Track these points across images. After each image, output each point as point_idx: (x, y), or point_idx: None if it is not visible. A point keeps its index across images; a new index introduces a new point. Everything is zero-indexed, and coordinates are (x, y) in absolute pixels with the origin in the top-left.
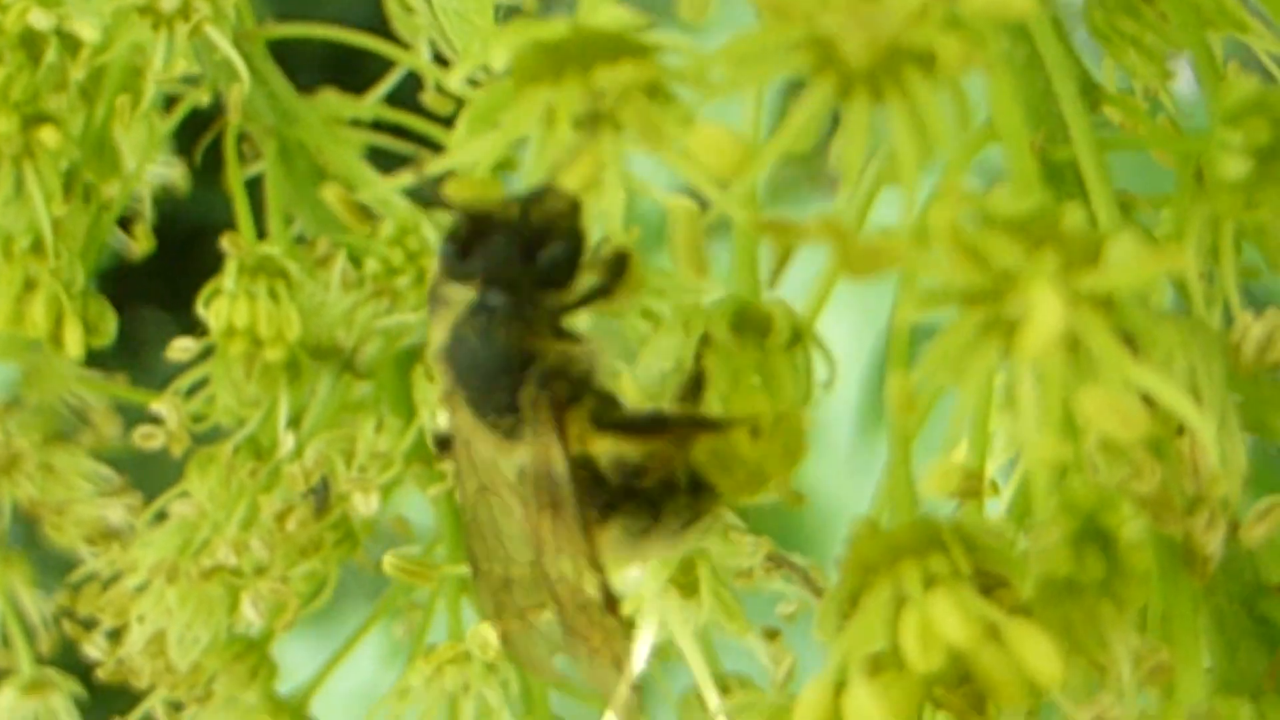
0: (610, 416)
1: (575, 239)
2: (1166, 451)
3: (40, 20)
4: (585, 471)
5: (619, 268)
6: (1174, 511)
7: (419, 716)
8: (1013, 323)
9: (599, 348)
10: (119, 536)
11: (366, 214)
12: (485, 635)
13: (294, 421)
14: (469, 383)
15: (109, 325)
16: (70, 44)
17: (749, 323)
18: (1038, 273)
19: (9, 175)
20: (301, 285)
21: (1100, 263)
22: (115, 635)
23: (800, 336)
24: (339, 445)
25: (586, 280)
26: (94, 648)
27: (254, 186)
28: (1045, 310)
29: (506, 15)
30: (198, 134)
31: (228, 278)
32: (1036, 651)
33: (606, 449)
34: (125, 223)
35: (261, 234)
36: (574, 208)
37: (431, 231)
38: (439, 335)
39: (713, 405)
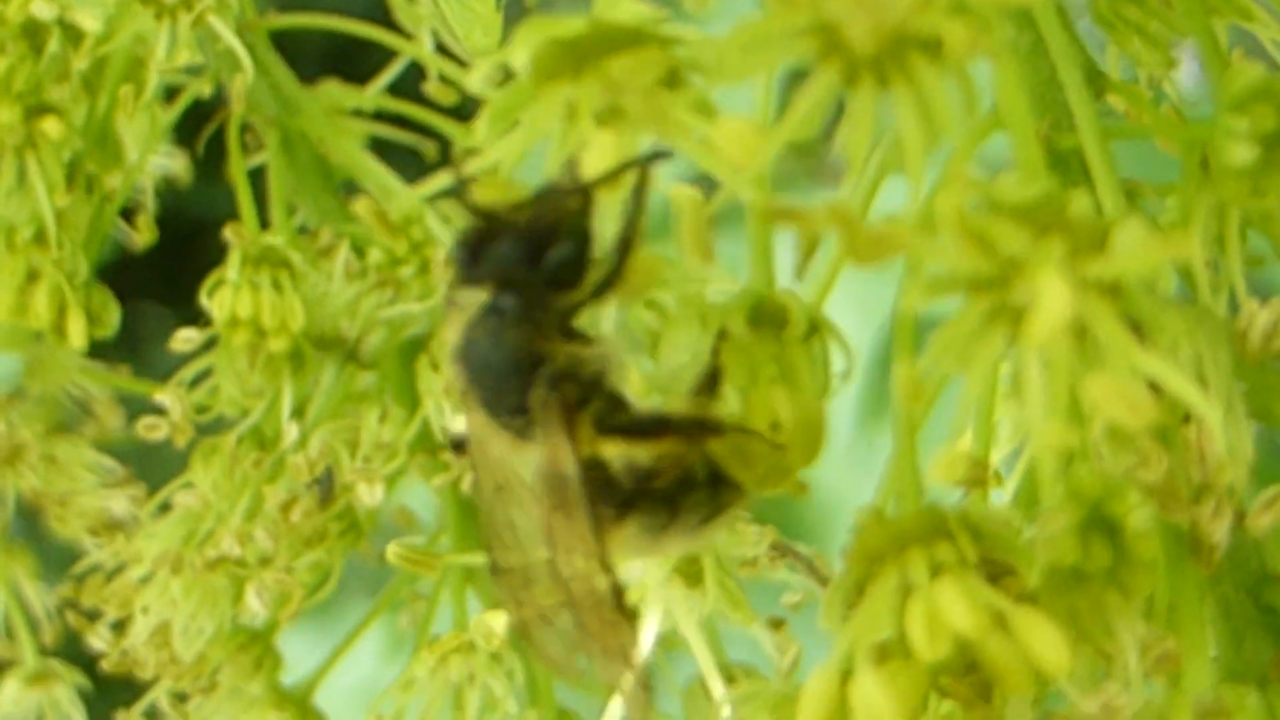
0: (617, 421)
1: (583, 238)
2: (1173, 439)
3: (43, 10)
4: (598, 473)
5: (624, 254)
6: (1180, 500)
7: (424, 707)
8: (1019, 310)
9: (611, 349)
10: (122, 528)
11: (387, 222)
12: (490, 625)
13: (298, 412)
14: (481, 384)
15: (112, 316)
16: (73, 34)
17: (765, 315)
18: (1044, 259)
19: (12, 166)
20: (305, 275)
21: (1107, 249)
22: (119, 626)
23: (817, 328)
24: (343, 436)
25: (595, 274)
26: (98, 639)
27: (255, 178)
28: (1052, 297)
29: (510, 3)
30: (198, 126)
31: (231, 268)
32: (1043, 640)
33: (617, 451)
34: (127, 214)
35: (263, 225)
36: (583, 207)
37: (435, 222)
38: (453, 337)
39: (731, 399)
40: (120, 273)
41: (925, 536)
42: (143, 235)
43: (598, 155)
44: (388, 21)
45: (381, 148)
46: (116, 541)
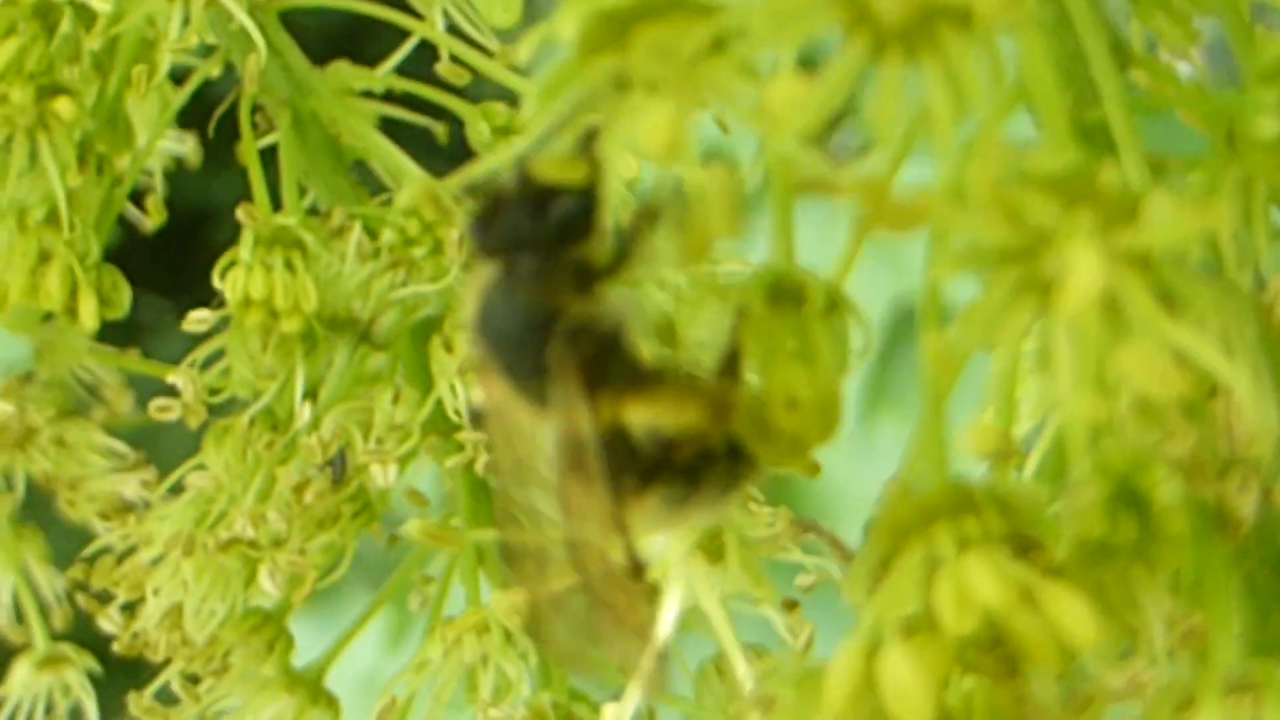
0: (636, 380)
1: (589, 192)
2: (1200, 413)
3: None
4: (619, 442)
5: (646, 223)
6: (1206, 474)
7: (437, 689)
8: (1048, 282)
9: (628, 307)
10: (133, 511)
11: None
12: (503, 605)
13: (310, 393)
14: (500, 348)
15: (122, 297)
16: (84, 15)
17: (785, 291)
18: (1075, 231)
19: (24, 147)
20: (318, 256)
21: (1137, 221)
22: (131, 609)
23: (836, 304)
24: (356, 417)
25: (613, 241)
26: (109, 622)
27: (263, 162)
28: (1084, 268)
29: None
30: (204, 110)
31: (244, 249)
32: (1071, 614)
33: (639, 420)
34: (134, 197)
35: (273, 207)
36: (587, 162)
37: (448, 202)
38: (470, 308)
39: (750, 375)
40: (119, 263)
41: (951, 510)
42: (152, 218)
43: (650, 124)
44: (398, 2)
45: (391, 128)
46: (128, 524)
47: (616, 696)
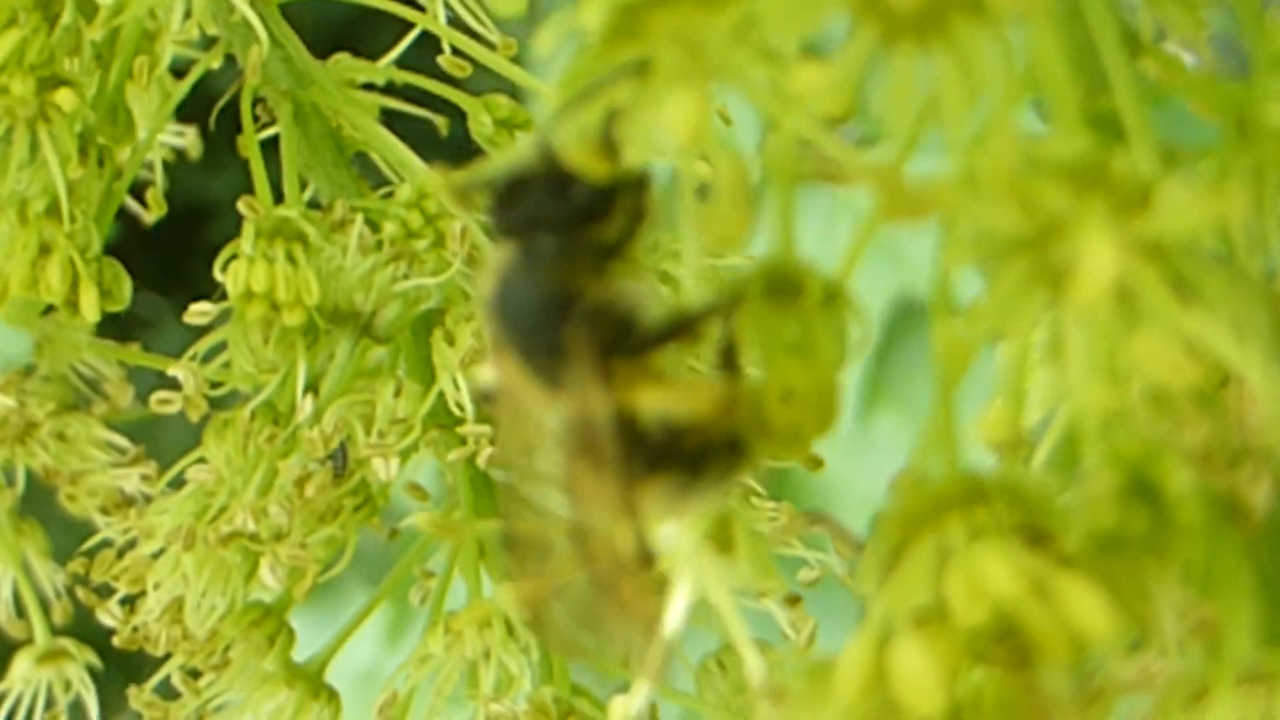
0: (648, 357)
1: (610, 172)
2: (1211, 403)
3: None
4: (630, 427)
5: (640, 191)
6: (1218, 464)
7: (438, 683)
8: (1059, 271)
9: (645, 291)
10: (134, 505)
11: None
12: (506, 599)
13: (312, 386)
14: (515, 327)
15: (123, 290)
16: (86, 6)
17: (784, 283)
18: (1088, 219)
19: (24, 138)
20: (319, 249)
21: (1149, 208)
22: (131, 603)
23: (834, 296)
24: (358, 410)
25: (632, 226)
26: (109, 616)
27: (264, 154)
28: (1098, 257)
29: None
30: (203, 103)
31: (246, 241)
32: (1084, 605)
33: (649, 403)
34: (133, 191)
35: (274, 200)
36: (609, 146)
37: (449, 195)
38: (488, 288)
39: (748, 367)
40: (115, 258)
41: (963, 501)
42: (152, 211)
43: (674, 112)
44: None
45: (392, 121)
46: (128, 518)
47: (619, 691)
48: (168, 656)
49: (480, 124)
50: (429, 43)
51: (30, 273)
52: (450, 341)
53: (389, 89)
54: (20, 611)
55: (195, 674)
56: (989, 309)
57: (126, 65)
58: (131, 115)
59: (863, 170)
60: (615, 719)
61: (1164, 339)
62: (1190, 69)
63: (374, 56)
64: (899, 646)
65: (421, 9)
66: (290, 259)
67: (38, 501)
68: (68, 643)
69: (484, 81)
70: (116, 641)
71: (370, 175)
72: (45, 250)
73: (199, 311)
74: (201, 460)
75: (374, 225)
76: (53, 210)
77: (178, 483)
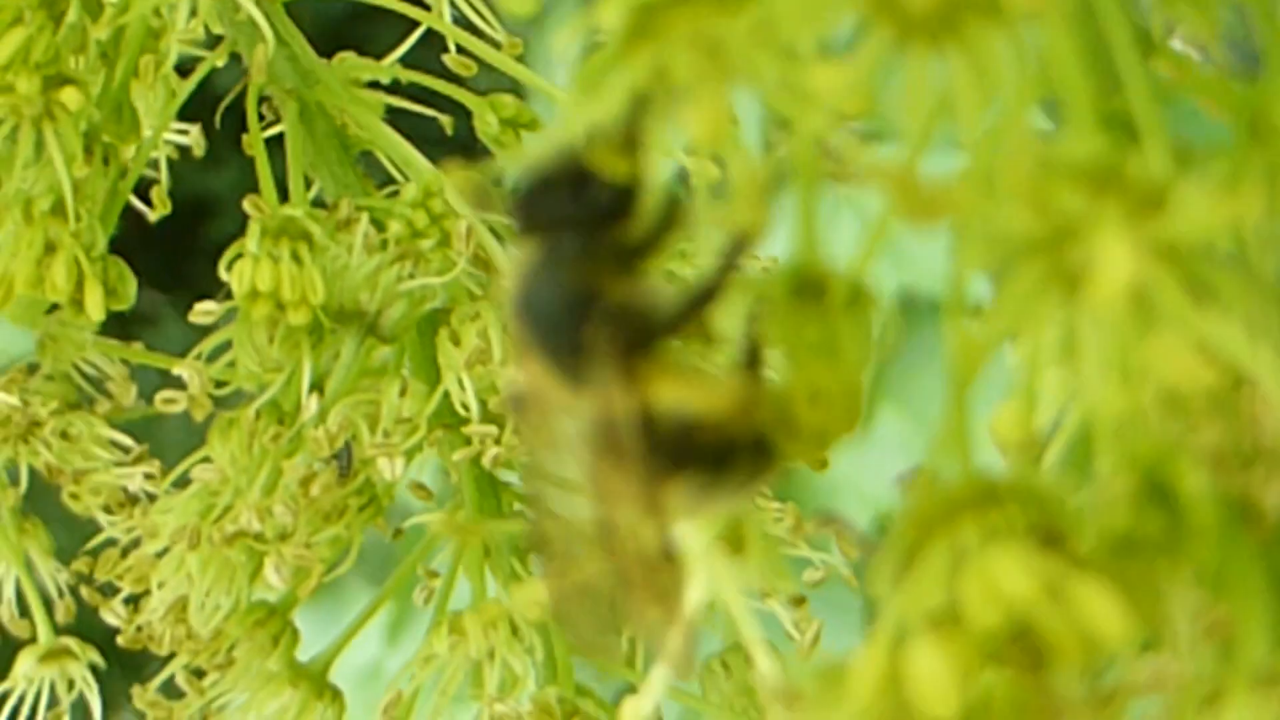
0: (671, 355)
1: (633, 171)
2: (1225, 405)
3: None
4: (653, 424)
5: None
6: (1232, 466)
7: (442, 683)
8: (1075, 272)
9: (669, 291)
10: (137, 504)
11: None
12: (514, 600)
13: (317, 386)
14: (539, 326)
15: (128, 289)
16: (91, 5)
17: (808, 283)
18: (1103, 220)
19: (30, 137)
20: (324, 248)
21: (1165, 209)
22: (135, 602)
23: (858, 296)
24: (363, 410)
25: (656, 224)
26: (113, 615)
27: (268, 153)
28: (1114, 259)
29: None
30: (206, 101)
31: (251, 240)
32: (1098, 607)
33: (673, 402)
34: (136, 188)
35: (277, 199)
36: (631, 145)
37: (455, 194)
38: (512, 290)
39: (773, 367)
40: (114, 254)
41: (977, 502)
42: (156, 209)
43: (693, 111)
44: None
45: (397, 119)
46: (133, 517)
47: (623, 690)
48: (172, 656)
49: (486, 123)
50: (433, 40)
51: (35, 271)
52: (455, 341)
53: (394, 87)
54: (23, 610)
55: (199, 673)
56: (1003, 311)
57: (132, 64)
58: (136, 114)
59: (875, 171)
60: None
61: (1179, 341)
62: (1201, 68)
63: (376, 54)
64: (914, 648)
65: (427, 7)
66: (295, 258)
67: (41, 500)
68: (71, 642)
69: (487, 80)
70: (121, 641)
71: (375, 174)
72: (50, 249)
73: (204, 311)
74: (205, 459)
75: (379, 224)
76: (58, 209)
77: (181, 481)
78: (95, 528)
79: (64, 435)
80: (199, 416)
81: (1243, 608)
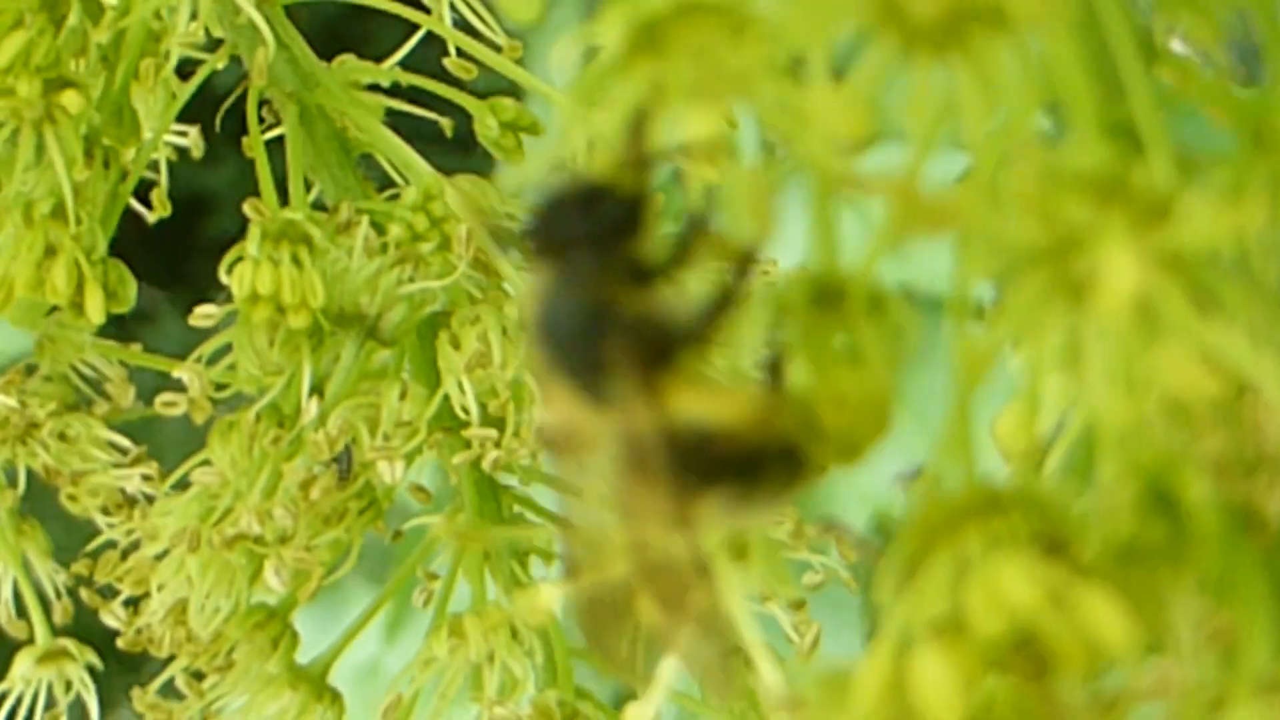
0: (693, 369)
1: (642, 186)
2: (1228, 412)
3: None
4: (678, 438)
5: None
6: (1234, 473)
7: (442, 686)
8: (1079, 282)
9: (687, 303)
10: (135, 506)
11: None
12: (516, 605)
13: (317, 389)
14: (558, 347)
15: (129, 291)
16: (92, 8)
17: (828, 291)
18: (1108, 230)
19: (30, 140)
20: (324, 251)
21: (1170, 219)
22: (135, 604)
23: (879, 302)
24: (363, 413)
25: (669, 238)
26: (113, 617)
27: (267, 155)
28: (1119, 269)
29: None
30: (205, 104)
31: (251, 243)
32: (1101, 614)
33: (700, 414)
34: (136, 190)
35: (277, 202)
36: (638, 160)
37: (454, 198)
38: (531, 311)
39: (797, 376)
40: (111, 253)
41: (980, 510)
42: (156, 211)
43: (694, 128)
44: None
45: (397, 122)
46: (133, 519)
47: (621, 693)
48: (171, 658)
49: (486, 126)
50: (433, 43)
51: (36, 274)
52: (455, 344)
53: (394, 90)
54: (21, 612)
55: (199, 676)
56: (1006, 319)
57: (132, 67)
58: (137, 116)
59: (879, 183)
60: None
61: (1182, 350)
62: (1204, 74)
63: (374, 56)
64: (918, 656)
65: (426, 10)
66: (296, 261)
67: (41, 501)
68: (68, 643)
69: (487, 82)
70: (121, 643)
71: (376, 177)
72: (51, 252)
73: (204, 314)
74: (204, 462)
75: (379, 227)
76: (58, 212)
77: (181, 484)
78: (96, 528)
79: (62, 437)
80: (199, 419)
81: (1245, 615)
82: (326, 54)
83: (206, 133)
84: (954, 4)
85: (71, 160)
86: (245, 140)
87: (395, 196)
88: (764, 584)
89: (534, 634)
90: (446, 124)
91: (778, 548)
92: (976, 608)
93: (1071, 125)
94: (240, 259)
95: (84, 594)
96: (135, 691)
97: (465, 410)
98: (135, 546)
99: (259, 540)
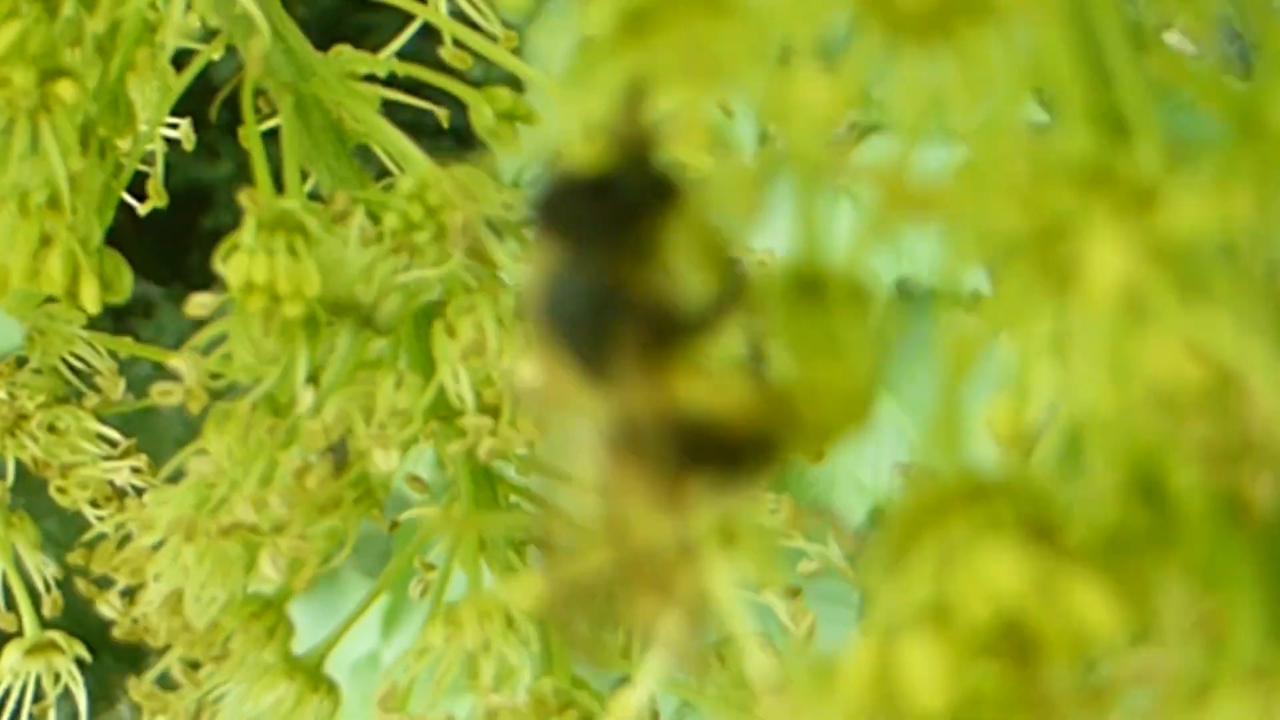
0: (691, 358)
1: (647, 166)
2: (1215, 399)
3: None
4: (671, 420)
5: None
6: (1221, 460)
7: (438, 675)
8: (1066, 269)
9: (685, 290)
10: (125, 498)
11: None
12: (510, 591)
13: (312, 378)
14: (559, 325)
15: (124, 282)
16: None
17: (809, 280)
18: (1095, 218)
19: (25, 130)
20: (320, 241)
21: (1157, 207)
22: (131, 594)
23: (858, 291)
24: (358, 402)
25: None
26: (109, 607)
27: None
28: (1107, 257)
29: None
30: (200, 94)
31: (246, 233)
32: (1087, 601)
33: (694, 397)
34: (133, 182)
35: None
36: (646, 142)
37: (450, 187)
38: (532, 287)
39: (777, 363)
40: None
41: (968, 497)
42: (151, 201)
43: (681, 115)
44: None
45: (393, 112)
46: (128, 510)
47: (618, 683)
48: (168, 648)
49: (482, 116)
50: (429, 32)
51: (31, 264)
52: (451, 334)
53: (390, 80)
54: (11, 605)
55: (195, 665)
56: (994, 307)
57: (128, 57)
58: (133, 106)
59: (866, 172)
60: (619, 712)
61: (1169, 338)
62: (1192, 62)
63: (372, 46)
64: (904, 643)
65: (423, 0)
66: (291, 251)
67: (35, 492)
68: (57, 635)
69: (482, 71)
70: (117, 633)
71: (372, 166)
72: (46, 242)
73: (200, 304)
74: (198, 451)
75: (375, 217)
76: (54, 202)
77: (176, 474)
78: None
79: (51, 429)
80: (195, 409)
81: (1232, 601)
82: (324, 45)
83: (205, 126)
84: None
85: (67, 150)
86: (242, 131)
87: (391, 186)
88: (757, 572)
89: (530, 622)
90: (443, 114)
91: (769, 535)
92: (962, 594)
93: (1059, 112)
94: (235, 248)
95: (80, 585)
96: (132, 681)
97: (460, 399)
98: (130, 537)
99: (255, 529)
